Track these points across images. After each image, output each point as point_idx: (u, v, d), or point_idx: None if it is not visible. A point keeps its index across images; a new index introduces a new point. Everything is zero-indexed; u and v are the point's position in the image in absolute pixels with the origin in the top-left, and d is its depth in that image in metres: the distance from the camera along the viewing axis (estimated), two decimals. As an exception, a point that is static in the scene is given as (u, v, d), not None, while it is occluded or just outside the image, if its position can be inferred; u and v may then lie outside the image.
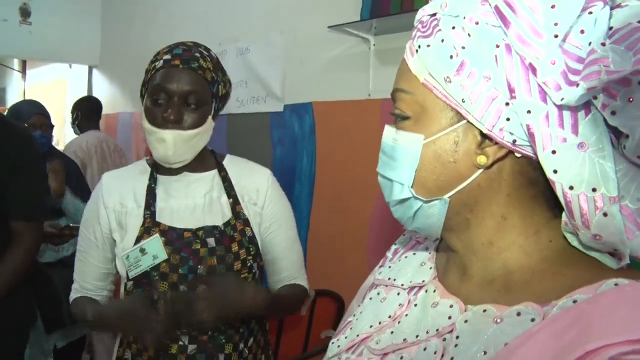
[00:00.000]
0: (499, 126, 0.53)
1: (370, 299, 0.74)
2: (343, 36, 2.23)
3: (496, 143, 0.54)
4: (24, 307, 1.79)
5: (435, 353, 0.57)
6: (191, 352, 1.26)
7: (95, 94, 4.83)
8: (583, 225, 0.50)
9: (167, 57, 1.26)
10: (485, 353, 0.52)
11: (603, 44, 0.46)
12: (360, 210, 2.32)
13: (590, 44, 0.47)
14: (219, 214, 1.34)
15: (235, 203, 1.37)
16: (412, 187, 0.59)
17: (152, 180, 1.36)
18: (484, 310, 0.56)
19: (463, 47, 0.54)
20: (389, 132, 0.62)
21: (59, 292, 2.18)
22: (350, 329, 0.72)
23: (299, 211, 2.60)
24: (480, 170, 0.57)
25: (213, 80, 1.31)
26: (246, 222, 1.36)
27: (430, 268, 0.69)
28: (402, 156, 0.59)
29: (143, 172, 1.38)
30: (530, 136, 0.50)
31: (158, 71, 1.25)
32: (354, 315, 0.75)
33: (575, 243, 0.55)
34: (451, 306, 0.60)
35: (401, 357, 0.61)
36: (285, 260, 1.44)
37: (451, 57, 0.54)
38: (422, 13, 0.60)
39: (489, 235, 0.60)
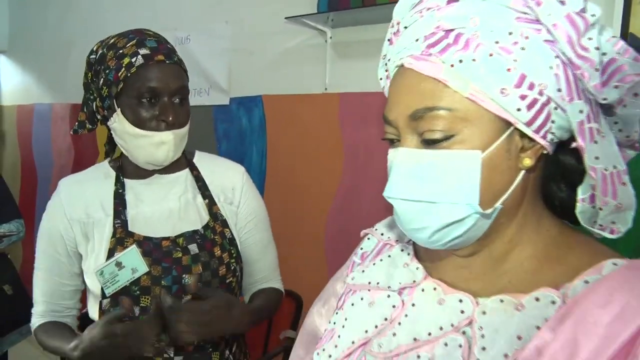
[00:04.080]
0: (546, 128, 0.57)
1: (353, 304, 0.73)
2: (297, 28, 2.16)
3: (535, 145, 0.59)
4: None
5: (460, 346, 0.59)
6: None
7: (4, 84, 4.40)
8: (612, 197, 0.58)
9: (145, 51, 1.12)
10: (520, 338, 0.55)
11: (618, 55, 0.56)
12: (317, 208, 2.27)
13: (605, 54, 0.55)
14: (196, 217, 1.24)
15: (211, 204, 1.27)
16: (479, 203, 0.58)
17: (120, 185, 1.22)
18: (501, 301, 0.59)
19: (515, 60, 0.55)
20: (420, 154, 0.59)
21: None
22: (339, 336, 0.71)
23: (248, 208, 2.51)
24: (523, 172, 0.60)
25: (186, 71, 1.22)
26: (224, 224, 1.27)
27: (417, 268, 0.70)
28: (457, 176, 0.58)
29: (107, 176, 1.25)
30: (580, 132, 0.56)
31: (139, 68, 1.11)
32: (334, 323, 0.74)
33: (585, 221, 0.61)
34: (460, 301, 0.62)
35: (418, 356, 0.62)
36: (261, 262, 1.38)
37: (508, 70, 0.55)
38: (433, 27, 0.59)
39: (511, 234, 0.63)
